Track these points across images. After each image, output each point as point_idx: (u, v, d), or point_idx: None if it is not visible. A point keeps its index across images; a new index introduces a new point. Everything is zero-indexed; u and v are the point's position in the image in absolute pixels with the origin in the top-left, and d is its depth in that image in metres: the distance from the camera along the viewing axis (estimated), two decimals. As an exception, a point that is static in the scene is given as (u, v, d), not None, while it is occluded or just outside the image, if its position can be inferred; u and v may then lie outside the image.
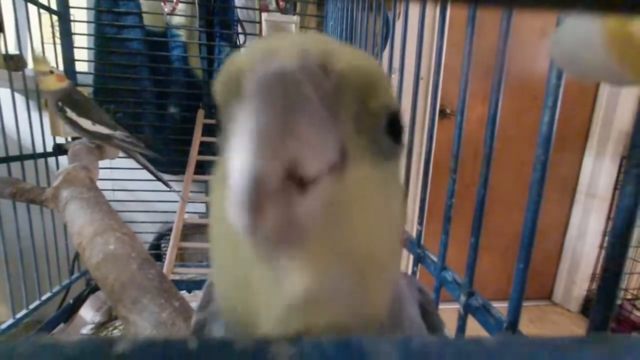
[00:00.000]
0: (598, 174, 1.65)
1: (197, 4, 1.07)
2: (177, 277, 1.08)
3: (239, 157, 0.10)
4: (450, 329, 0.22)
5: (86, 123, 0.76)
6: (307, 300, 0.11)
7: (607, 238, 1.59)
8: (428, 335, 0.19)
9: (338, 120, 0.12)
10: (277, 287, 0.11)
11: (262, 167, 0.09)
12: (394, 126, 0.14)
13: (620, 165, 1.60)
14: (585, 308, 1.68)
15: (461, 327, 0.28)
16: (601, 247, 1.66)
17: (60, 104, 0.74)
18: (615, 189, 1.62)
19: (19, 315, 0.80)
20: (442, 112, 1.40)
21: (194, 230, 1.23)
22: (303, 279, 0.11)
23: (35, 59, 0.75)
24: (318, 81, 0.11)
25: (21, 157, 0.82)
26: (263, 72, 0.10)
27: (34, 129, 0.85)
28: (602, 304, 0.15)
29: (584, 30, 0.11)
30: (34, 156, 0.86)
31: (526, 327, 1.69)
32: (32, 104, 0.85)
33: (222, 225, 0.12)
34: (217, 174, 0.14)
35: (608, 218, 1.63)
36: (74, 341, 0.07)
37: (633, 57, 0.10)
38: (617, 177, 1.61)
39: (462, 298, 0.28)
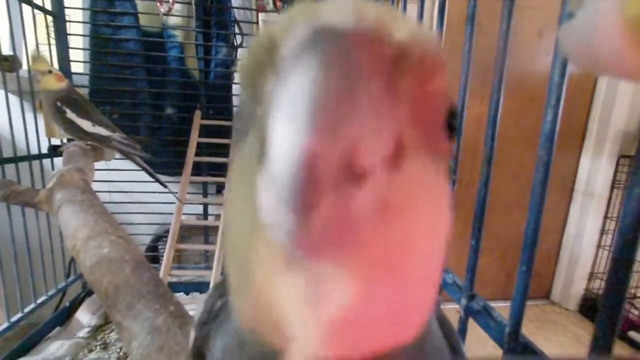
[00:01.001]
0: (595, 173, 1.65)
1: (193, 5, 1.07)
2: (174, 279, 1.07)
3: (286, 135, 0.08)
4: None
5: (86, 124, 0.76)
6: (349, 318, 0.09)
7: (612, 241, 1.60)
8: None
9: (397, 102, 0.09)
10: (313, 303, 0.09)
11: (320, 147, 0.07)
12: (451, 121, 0.11)
13: (617, 164, 1.61)
14: (583, 307, 1.68)
15: (462, 331, 0.28)
16: (599, 246, 1.67)
17: (59, 104, 0.74)
18: (612, 188, 1.62)
19: (14, 319, 0.79)
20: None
21: (192, 232, 1.22)
22: (348, 292, 0.09)
23: (34, 57, 0.74)
24: (378, 49, 0.08)
25: (15, 159, 0.81)
26: (310, 30, 0.08)
27: (28, 130, 0.84)
28: (608, 310, 0.14)
29: (599, 18, 0.10)
30: (29, 158, 0.85)
31: (525, 326, 1.68)
32: (26, 105, 0.84)
33: (244, 227, 0.10)
34: (240, 167, 0.12)
35: (605, 217, 1.64)
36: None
37: None
38: (614, 176, 1.61)
39: (463, 301, 0.28)
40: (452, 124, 0.12)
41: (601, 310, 0.15)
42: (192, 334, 0.19)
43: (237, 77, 1.16)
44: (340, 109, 0.08)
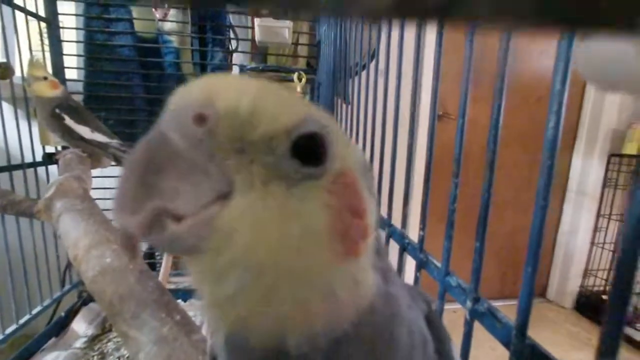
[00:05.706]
0: (587, 172, 1.68)
1: (189, 10, 1.06)
2: (172, 287, 1.06)
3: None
4: (450, 328, 0.22)
5: (85, 131, 0.75)
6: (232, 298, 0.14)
7: (605, 238, 1.62)
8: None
9: (216, 158, 0.14)
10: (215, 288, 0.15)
11: (125, 220, 0.13)
12: (300, 149, 0.14)
13: (608, 163, 1.64)
14: (579, 304, 1.71)
15: (467, 334, 0.28)
16: (593, 243, 1.69)
17: (57, 110, 0.73)
18: (604, 186, 1.66)
19: (8, 331, 0.78)
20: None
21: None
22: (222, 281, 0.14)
23: (31, 63, 0.73)
24: (190, 132, 0.13)
25: (9, 168, 0.80)
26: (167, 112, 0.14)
27: (22, 138, 0.83)
28: (614, 312, 0.15)
29: (616, 44, 0.10)
30: (23, 166, 0.84)
31: (522, 325, 1.70)
32: (20, 113, 0.83)
33: None
34: None
35: (598, 215, 1.67)
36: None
37: None
38: (606, 174, 1.65)
39: (468, 304, 0.28)
40: (305, 153, 0.14)
41: (607, 321, 0.16)
42: (209, 342, 0.20)
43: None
44: (143, 192, 0.13)
